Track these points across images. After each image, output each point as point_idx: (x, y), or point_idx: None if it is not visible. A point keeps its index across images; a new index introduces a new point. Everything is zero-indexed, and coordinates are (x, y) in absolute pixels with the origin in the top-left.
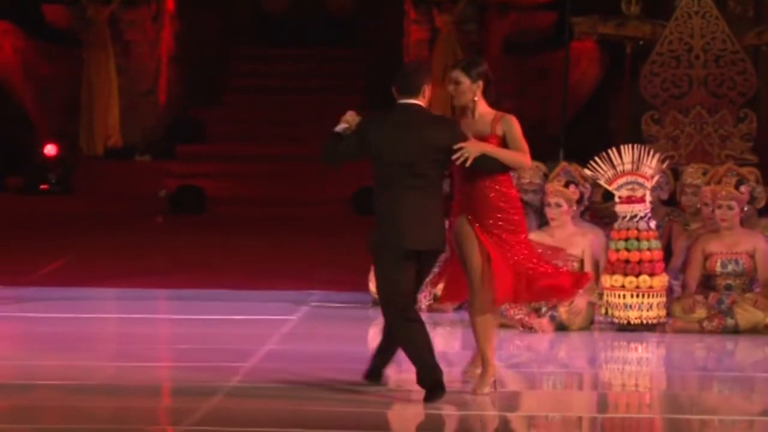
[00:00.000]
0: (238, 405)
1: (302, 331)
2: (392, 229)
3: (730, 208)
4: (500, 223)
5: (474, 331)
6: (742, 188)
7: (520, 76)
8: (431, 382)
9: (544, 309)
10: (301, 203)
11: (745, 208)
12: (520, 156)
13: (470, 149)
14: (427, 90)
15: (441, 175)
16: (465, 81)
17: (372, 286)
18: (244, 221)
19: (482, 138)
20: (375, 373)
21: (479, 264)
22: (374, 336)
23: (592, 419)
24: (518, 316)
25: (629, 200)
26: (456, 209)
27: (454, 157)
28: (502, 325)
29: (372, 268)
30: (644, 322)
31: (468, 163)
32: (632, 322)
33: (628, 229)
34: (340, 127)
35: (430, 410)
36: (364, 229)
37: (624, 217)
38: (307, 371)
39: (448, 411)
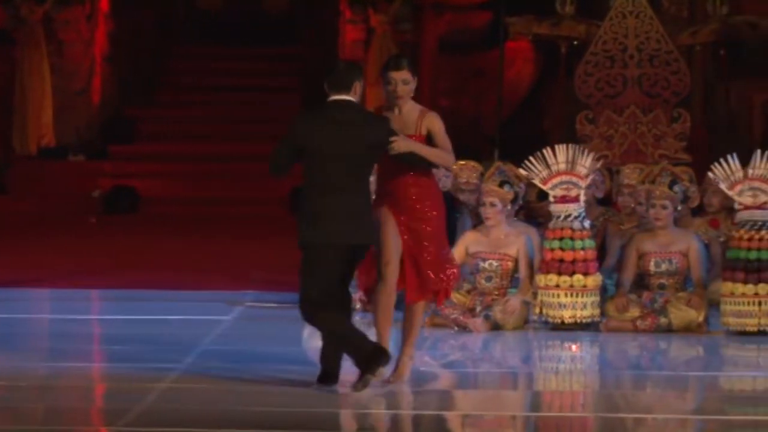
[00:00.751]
0: (171, 405)
1: (236, 331)
2: (330, 226)
3: (664, 207)
4: (418, 216)
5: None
6: (676, 188)
7: (456, 75)
8: (372, 350)
9: (478, 308)
10: (235, 203)
11: (679, 208)
12: (446, 155)
13: (400, 144)
14: (358, 87)
15: (371, 171)
16: (413, 80)
17: None
18: (178, 221)
19: (408, 137)
20: (326, 377)
21: (393, 250)
22: (309, 336)
23: (526, 418)
24: (453, 316)
25: (564, 200)
26: (378, 202)
27: (387, 149)
28: (437, 325)
29: None
30: (578, 321)
31: (393, 154)
32: (566, 321)
33: (562, 228)
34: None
35: (365, 410)
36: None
37: (558, 217)
38: (241, 371)
39: (382, 410)
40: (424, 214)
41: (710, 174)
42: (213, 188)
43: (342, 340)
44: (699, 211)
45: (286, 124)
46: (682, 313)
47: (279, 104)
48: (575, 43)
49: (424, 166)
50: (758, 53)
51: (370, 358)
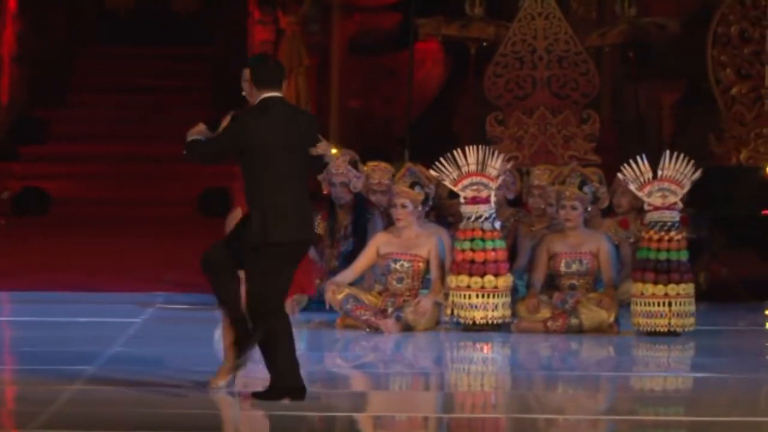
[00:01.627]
0: (83, 408)
1: (148, 333)
2: (290, 222)
3: (574, 208)
4: None
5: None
6: (586, 188)
7: (366, 76)
8: (294, 385)
9: (390, 309)
10: (145, 204)
11: (589, 209)
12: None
13: (324, 146)
14: (284, 84)
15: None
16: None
17: None
18: (88, 222)
19: None
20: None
21: None
22: (219, 337)
23: (439, 419)
24: (364, 317)
25: (474, 200)
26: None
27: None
28: (348, 326)
29: None
30: (490, 322)
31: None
32: (478, 322)
33: (473, 229)
34: (194, 137)
35: (277, 411)
36: (209, 231)
37: (469, 218)
38: (152, 373)
39: (294, 412)
40: None
41: (620, 175)
42: (124, 189)
43: (281, 358)
44: (608, 211)
45: (195, 124)
46: (592, 313)
47: (190, 104)
48: (484, 44)
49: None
50: (666, 54)
51: (292, 393)
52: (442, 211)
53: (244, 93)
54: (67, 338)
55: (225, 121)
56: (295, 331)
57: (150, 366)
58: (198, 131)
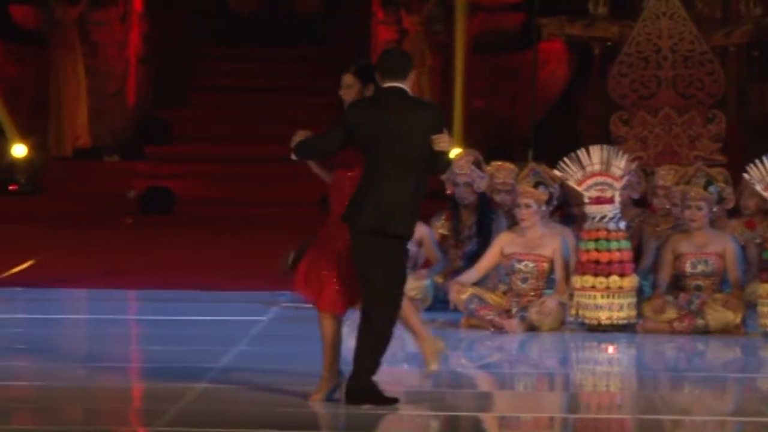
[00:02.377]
0: (208, 406)
1: (272, 331)
2: (367, 209)
3: (699, 208)
4: None
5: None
6: (712, 189)
7: (490, 75)
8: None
9: (514, 310)
10: (269, 204)
11: (715, 209)
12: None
13: (445, 140)
14: (413, 75)
15: (421, 159)
16: (355, 83)
17: None
18: (212, 222)
19: None
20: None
21: None
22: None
23: (564, 420)
24: (488, 317)
25: (598, 201)
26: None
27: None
28: (472, 326)
29: None
30: (614, 322)
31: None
32: (602, 322)
33: (597, 229)
34: (301, 139)
35: (402, 411)
36: None
37: (593, 218)
38: (277, 372)
39: (421, 412)
40: None
41: (745, 175)
42: (248, 189)
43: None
44: (735, 212)
45: (320, 125)
46: (719, 314)
47: (312, 105)
48: (609, 44)
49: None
50: None
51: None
52: (568, 198)
53: (344, 98)
54: (192, 337)
55: None
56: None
57: (274, 365)
58: (302, 134)
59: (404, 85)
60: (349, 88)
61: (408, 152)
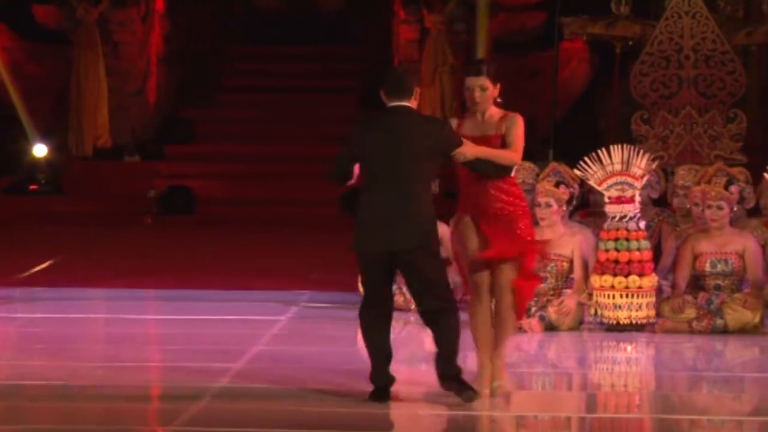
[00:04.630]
0: (227, 406)
1: (292, 331)
2: (367, 231)
3: (720, 208)
4: (502, 214)
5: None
6: (732, 188)
7: (511, 75)
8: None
9: (533, 309)
10: (290, 204)
11: (735, 209)
12: (509, 154)
13: (465, 152)
14: (417, 92)
15: (423, 178)
16: (493, 86)
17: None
18: (233, 221)
19: (487, 138)
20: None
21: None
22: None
23: (581, 419)
24: None
25: (619, 200)
26: (461, 210)
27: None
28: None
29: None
30: (633, 322)
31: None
32: (621, 322)
33: (617, 229)
34: None
35: (421, 410)
36: (352, 231)
37: (613, 218)
38: (297, 372)
39: (437, 411)
40: (513, 222)
41: (766, 174)
42: (269, 189)
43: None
44: (755, 212)
45: (342, 124)
46: (738, 314)
47: (335, 105)
48: (630, 43)
49: (498, 171)
50: None
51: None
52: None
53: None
54: (212, 336)
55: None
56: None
57: (294, 364)
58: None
59: (410, 103)
60: (484, 91)
61: (410, 169)
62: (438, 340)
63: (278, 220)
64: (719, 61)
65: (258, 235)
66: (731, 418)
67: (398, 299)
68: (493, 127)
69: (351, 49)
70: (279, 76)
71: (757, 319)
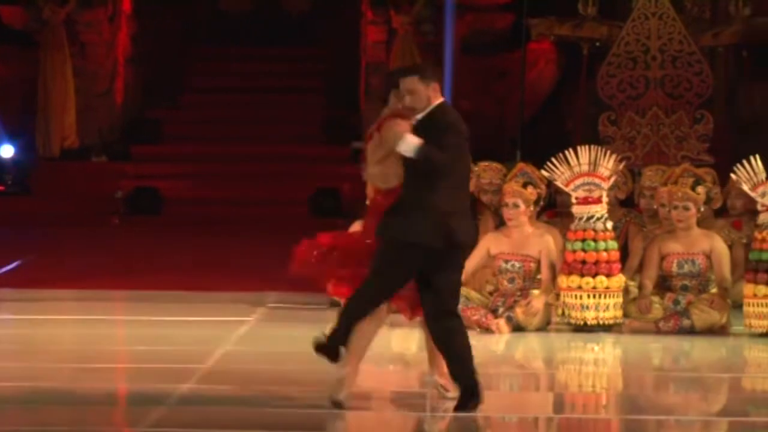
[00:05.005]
0: (194, 407)
1: (259, 332)
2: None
3: (687, 208)
4: None
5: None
6: (699, 189)
7: (478, 76)
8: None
9: (500, 310)
10: (257, 204)
11: (702, 209)
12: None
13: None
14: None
15: (414, 172)
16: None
17: (331, 288)
18: (200, 222)
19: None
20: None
21: None
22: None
23: (549, 420)
24: (475, 317)
25: (586, 201)
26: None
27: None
28: None
29: None
30: (601, 322)
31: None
32: (589, 322)
33: (584, 229)
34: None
35: (386, 412)
36: (320, 230)
37: (581, 218)
38: (264, 373)
39: (404, 412)
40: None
41: (733, 175)
42: (235, 189)
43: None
44: (722, 212)
45: (308, 125)
46: (704, 314)
47: (301, 105)
48: (597, 44)
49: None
50: None
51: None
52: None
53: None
54: (179, 337)
55: (395, 125)
56: (400, 331)
57: (261, 365)
58: (405, 129)
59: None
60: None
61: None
62: (448, 341)
63: (245, 221)
64: (686, 62)
65: (225, 236)
66: (698, 418)
67: None
68: None
69: (317, 49)
70: (245, 76)
71: (723, 320)
